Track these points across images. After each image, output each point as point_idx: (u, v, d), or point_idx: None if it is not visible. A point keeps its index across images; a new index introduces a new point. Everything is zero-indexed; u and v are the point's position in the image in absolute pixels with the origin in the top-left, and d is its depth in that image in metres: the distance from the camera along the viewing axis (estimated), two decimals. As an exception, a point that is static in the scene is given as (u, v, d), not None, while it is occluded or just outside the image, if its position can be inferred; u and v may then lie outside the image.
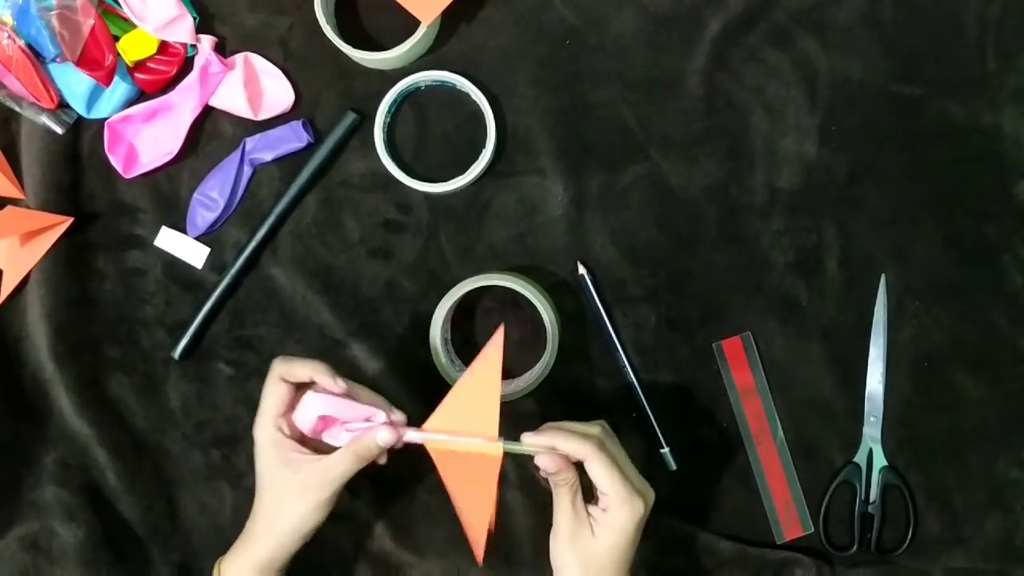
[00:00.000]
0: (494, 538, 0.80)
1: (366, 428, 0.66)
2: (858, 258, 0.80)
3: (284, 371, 0.68)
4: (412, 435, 0.66)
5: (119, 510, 0.80)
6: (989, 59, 0.79)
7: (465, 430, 0.65)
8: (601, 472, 0.64)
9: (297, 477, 0.66)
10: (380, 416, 0.67)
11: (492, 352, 0.66)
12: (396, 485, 0.81)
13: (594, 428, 0.66)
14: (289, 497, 0.67)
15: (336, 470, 0.66)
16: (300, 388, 0.69)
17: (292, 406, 0.68)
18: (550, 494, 0.67)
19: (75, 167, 0.81)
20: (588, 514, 0.66)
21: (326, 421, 0.68)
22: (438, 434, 0.66)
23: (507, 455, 0.65)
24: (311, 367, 0.67)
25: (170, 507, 0.81)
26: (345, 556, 0.81)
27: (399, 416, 0.68)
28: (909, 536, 0.79)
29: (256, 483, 0.68)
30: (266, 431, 0.67)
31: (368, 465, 0.68)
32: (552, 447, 0.65)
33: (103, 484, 0.80)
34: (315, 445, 0.69)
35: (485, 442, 0.65)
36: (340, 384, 0.67)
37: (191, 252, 0.81)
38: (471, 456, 0.65)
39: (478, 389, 0.66)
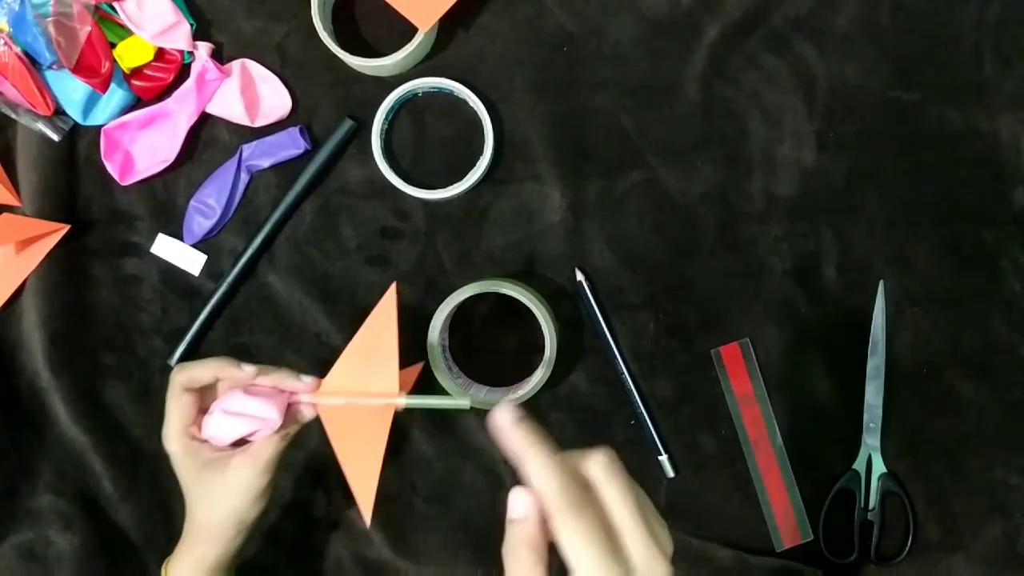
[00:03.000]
0: (491, 545, 0.80)
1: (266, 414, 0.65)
2: (856, 264, 0.80)
3: (186, 380, 0.65)
4: (321, 402, 0.65)
5: (115, 518, 0.80)
6: (987, 65, 0.79)
7: (365, 388, 0.64)
8: (622, 503, 0.46)
9: (225, 476, 0.64)
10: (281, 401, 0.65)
11: (385, 309, 0.64)
12: (394, 494, 0.81)
13: (589, 462, 0.47)
14: (223, 497, 0.65)
15: (264, 457, 0.64)
16: (204, 391, 0.66)
17: (201, 410, 0.66)
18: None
19: (71, 174, 0.81)
20: None
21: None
22: (345, 398, 0.64)
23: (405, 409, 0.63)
24: (213, 367, 0.65)
25: (166, 515, 0.80)
26: (342, 565, 0.80)
27: (310, 381, 0.65)
28: (909, 543, 0.79)
29: (182, 488, 0.67)
30: (178, 443, 0.65)
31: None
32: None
33: (99, 492, 0.80)
34: None
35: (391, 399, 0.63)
36: (248, 369, 0.64)
37: (188, 259, 0.81)
38: (363, 411, 0.63)
39: (375, 346, 0.64)
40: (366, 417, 0.64)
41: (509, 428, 0.47)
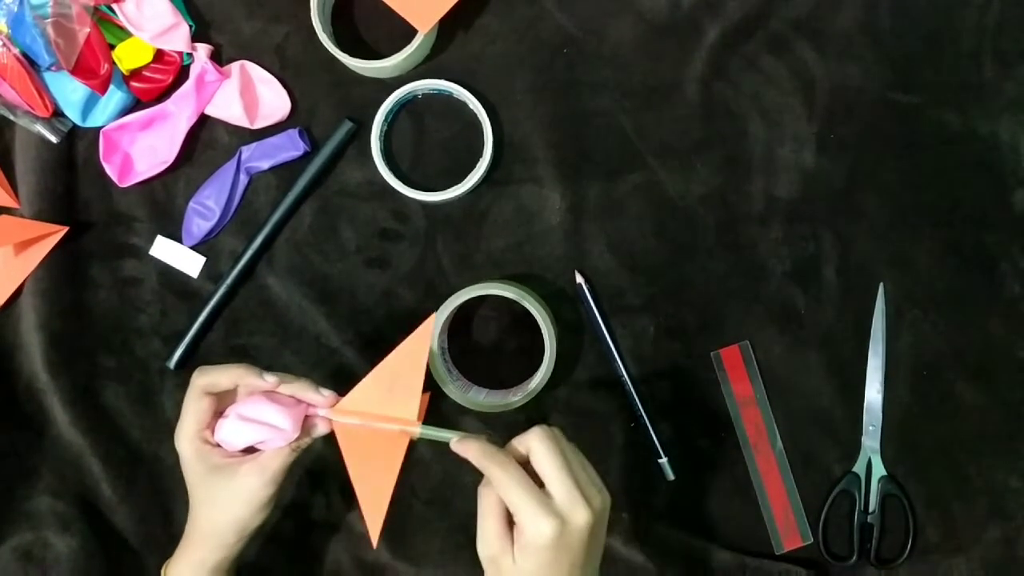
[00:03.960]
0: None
1: (278, 424, 0.64)
2: (856, 266, 0.80)
3: (207, 384, 0.65)
4: (338, 419, 0.65)
5: (113, 520, 0.80)
6: (986, 67, 0.79)
7: (385, 412, 0.64)
8: (548, 460, 0.59)
9: (232, 483, 0.64)
10: (299, 411, 0.65)
11: (419, 338, 0.64)
12: (393, 496, 0.80)
13: (528, 437, 0.61)
14: (228, 503, 0.65)
15: (274, 467, 0.64)
16: (222, 395, 0.66)
17: (216, 414, 0.66)
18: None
19: (70, 176, 0.81)
20: (512, 538, 0.60)
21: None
22: (360, 418, 0.64)
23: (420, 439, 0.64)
24: (234, 374, 0.65)
25: (165, 517, 0.80)
26: (341, 568, 0.80)
27: (329, 395, 0.65)
28: (909, 546, 0.79)
29: (188, 490, 0.67)
30: (191, 445, 0.65)
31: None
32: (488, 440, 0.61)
33: (98, 494, 0.80)
34: None
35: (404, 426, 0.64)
36: (270, 379, 0.64)
37: (187, 261, 0.81)
38: (380, 435, 0.63)
39: (402, 373, 0.64)
40: (382, 441, 0.64)
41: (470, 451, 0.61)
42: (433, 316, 0.65)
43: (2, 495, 0.79)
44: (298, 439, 0.65)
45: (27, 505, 0.79)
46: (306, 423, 0.65)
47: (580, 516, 0.58)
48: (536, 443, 0.60)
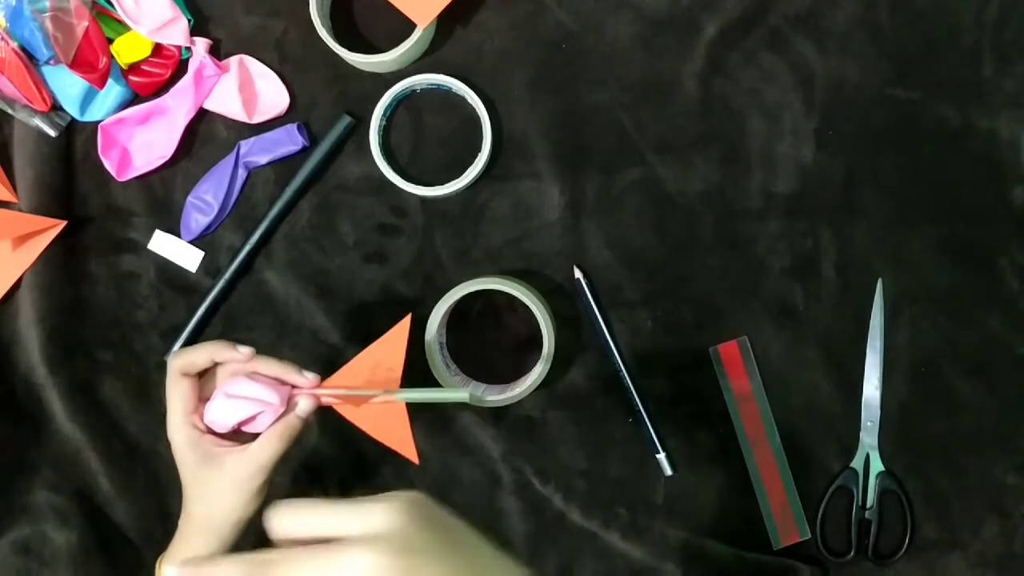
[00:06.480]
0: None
1: (259, 408, 0.65)
2: (855, 263, 0.79)
3: (182, 365, 0.65)
4: (320, 393, 0.66)
5: (112, 514, 0.80)
6: (986, 63, 0.79)
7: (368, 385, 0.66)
8: None
9: (223, 472, 0.64)
10: (280, 393, 0.66)
11: (394, 338, 0.66)
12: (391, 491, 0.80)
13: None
14: (220, 493, 0.65)
15: (263, 456, 0.64)
16: (203, 376, 0.66)
17: (201, 398, 0.66)
18: None
19: (68, 170, 0.81)
20: None
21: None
22: (344, 389, 0.66)
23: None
24: (209, 350, 0.65)
25: (163, 511, 0.80)
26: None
27: (312, 378, 0.66)
28: (906, 542, 0.79)
29: (181, 482, 0.67)
30: (180, 432, 0.65)
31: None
32: None
33: (96, 488, 0.80)
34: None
35: (385, 393, 0.66)
36: (244, 350, 0.65)
37: (185, 256, 0.81)
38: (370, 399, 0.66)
39: (378, 368, 0.66)
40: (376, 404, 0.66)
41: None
42: (409, 317, 0.67)
43: (1, 489, 0.79)
44: (283, 414, 0.65)
45: (25, 499, 0.79)
46: (290, 402, 0.66)
47: None
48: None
